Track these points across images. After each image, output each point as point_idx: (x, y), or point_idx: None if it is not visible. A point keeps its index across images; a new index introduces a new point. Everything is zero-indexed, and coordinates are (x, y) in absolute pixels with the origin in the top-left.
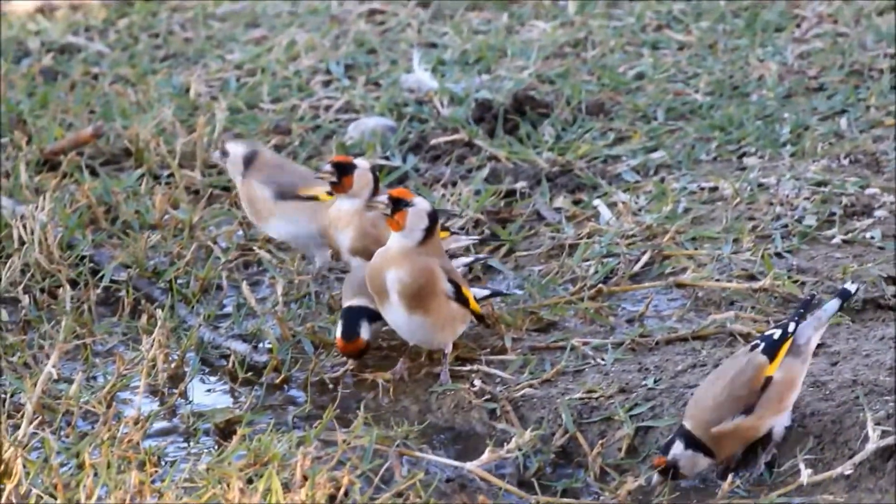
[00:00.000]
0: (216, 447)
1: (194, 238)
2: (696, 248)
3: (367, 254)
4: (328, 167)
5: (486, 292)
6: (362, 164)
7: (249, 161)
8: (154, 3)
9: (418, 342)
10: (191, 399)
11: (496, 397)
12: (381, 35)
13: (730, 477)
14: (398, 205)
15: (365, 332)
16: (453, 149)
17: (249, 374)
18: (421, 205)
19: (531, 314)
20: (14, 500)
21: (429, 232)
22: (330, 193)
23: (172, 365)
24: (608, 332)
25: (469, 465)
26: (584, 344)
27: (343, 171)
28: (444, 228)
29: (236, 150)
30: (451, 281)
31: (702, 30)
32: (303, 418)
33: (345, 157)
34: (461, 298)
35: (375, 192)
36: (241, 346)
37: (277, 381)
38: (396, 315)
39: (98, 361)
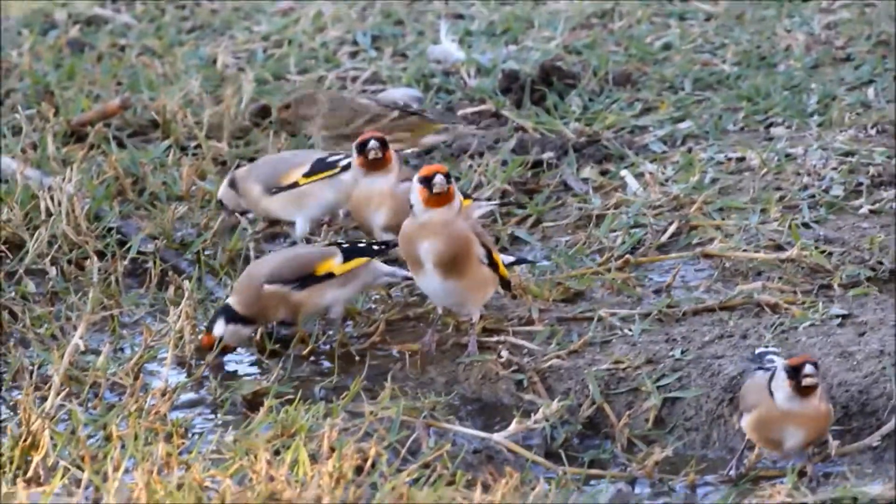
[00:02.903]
0: (243, 419)
1: (221, 209)
2: (723, 219)
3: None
4: (374, 142)
5: (511, 258)
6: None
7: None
8: None
9: (450, 306)
10: (218, 371)
11: (523, 368)
12: (408, 6)
13: (757, 448)
14: (448, 180)
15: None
16: (480, 119)
17: (277, 345)
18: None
19: (558, 285)
20: (41, 472)
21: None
22: (306, 175)
23: (200, 336)
24: (635, 303)
25: (496, 437)
26: (612, 315)
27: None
28: (467, 196)
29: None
30: (482, 245)
31: (729, 0)
32: (330, 390)
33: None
34: (492, 263)
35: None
36: None
37: (304, 352)
38: (431, 281)
39: (125, 333)
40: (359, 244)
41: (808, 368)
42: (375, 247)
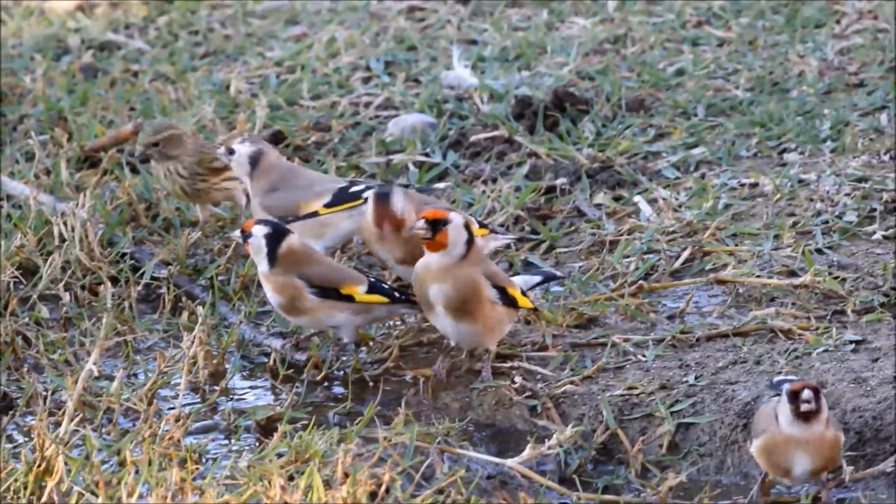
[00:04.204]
0: (257, 444)
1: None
2: (736, 245)
3: (413, 262)
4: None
5: (538, 279)
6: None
7: (255, 161)
8: (194, 0)
9: (466, 346)
10: (232, 396)
11: (537, 394)
12: (420, 32)
13: (770, 475)
14: (437, 225)
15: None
16: (493, 145)
17: (290, 371)
18: (457, 220)
19: (572, 310)
20: (56, 498)
21: (469, 243)
22: (327, 205)
23: (213, 362)
24: (649, 329)
25: (510, 462)
26: (625, 340)
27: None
28: (483, 226)
29: (242, 149)
30: (495, 286)
31: (742, 26)
32: (344, 415)
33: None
34: (508, 300)
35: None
36: (281, 344)
37: (318, 378)
38: (444, 323)
39: (139, 358)
40: (384, 284)
41: (806, 394)
42: (397, 294)
